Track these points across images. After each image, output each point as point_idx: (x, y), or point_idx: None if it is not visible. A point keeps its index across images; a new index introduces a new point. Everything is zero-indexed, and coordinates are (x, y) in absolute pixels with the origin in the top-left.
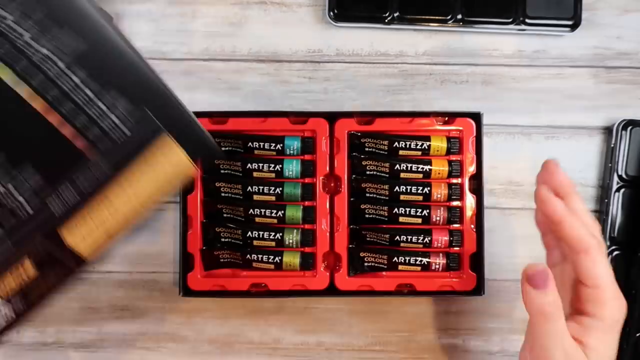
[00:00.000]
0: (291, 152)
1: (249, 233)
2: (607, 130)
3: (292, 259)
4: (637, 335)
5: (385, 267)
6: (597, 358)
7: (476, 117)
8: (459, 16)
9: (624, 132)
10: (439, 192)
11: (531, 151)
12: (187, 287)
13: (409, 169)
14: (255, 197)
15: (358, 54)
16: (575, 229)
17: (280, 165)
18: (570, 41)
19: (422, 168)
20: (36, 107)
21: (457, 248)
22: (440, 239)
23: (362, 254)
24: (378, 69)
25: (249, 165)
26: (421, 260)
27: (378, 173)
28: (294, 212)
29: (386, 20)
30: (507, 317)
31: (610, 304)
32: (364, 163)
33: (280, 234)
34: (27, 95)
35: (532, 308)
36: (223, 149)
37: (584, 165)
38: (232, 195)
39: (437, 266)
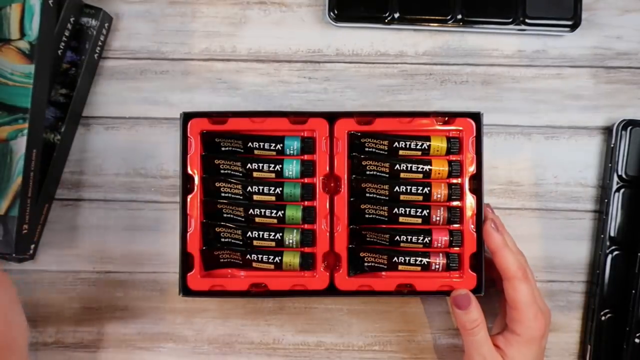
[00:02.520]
0: (291, 152)
1: (249, 233)
2: (607, 130)
3: (292, 259)
4: (637, 335)
5: (385, 267)
6: None
7: (476, 117)
8: (459, 16)
9: (623, 132)
10: (439, 192)
11: (531, 151)
12: (187, 287)
13: (409, 169)
14: (255, 197)
15: (358, 54)
16: (505, 259)
17: (280, 166)
18: (570, 41)
19: (422, 168)
20: None
21: (457, 248)
22: (440, 239)
23: (362, 254)
24: (378, 69)
25: (249, 165)
26: (421, 260)
27: (378, 173)
28: (294, 212)
29: (386, 20)
30: None
31: (527, 324)
32: (364, 163)
33: (280, 234)
34: None
35: (458, 324)
36: (223, 149)
37: (584, 165)
38: (232, 196)
39: (437, 266)
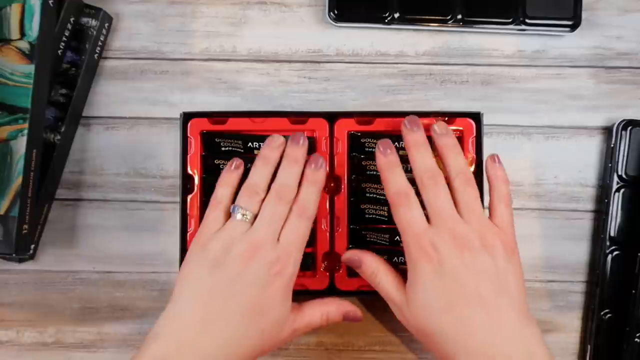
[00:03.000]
0: None
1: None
2: (607, 130)
3: None
4: (638, 335)
5: None
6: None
7: (476, 117)
8: (459, 16)
9: (623, 132)
10: None
11: (531, 151)
12: None
13: (409, 169)
14: None
15: (358, 54)
16: (384, 182)
17: None
18: (570, 41)
19: None
20: None
21: None
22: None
23: None
24: (378, 69)
25: (249, 165)
26: None
27: (378, 173)
28: None
29: (386, 20)
30: None
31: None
32: (364, 163)
33: None
34: None
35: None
36: (223, 149)
37: (584, 165)
38: None
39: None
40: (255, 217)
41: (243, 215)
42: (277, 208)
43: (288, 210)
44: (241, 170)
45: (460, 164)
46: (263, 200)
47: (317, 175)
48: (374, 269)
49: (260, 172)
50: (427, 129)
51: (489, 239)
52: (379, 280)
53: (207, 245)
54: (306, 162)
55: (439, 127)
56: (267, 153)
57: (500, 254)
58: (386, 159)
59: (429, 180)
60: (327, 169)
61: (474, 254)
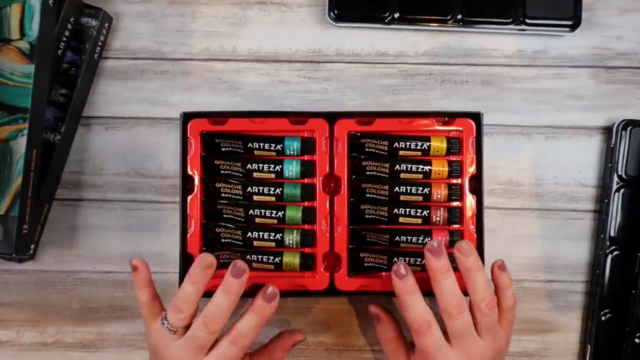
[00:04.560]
0: (291, 152)
1: (249, 234)
2: (607, 130)
3: (292, 259)
4: (638, 335)
5: (385, 267)
6: None
7: (476, 117)
8: (459, 16)
9: (623, 132)
10: (439, 192)
11: (531, 151)
12: None
13: (409, 169)
14: (255, 197)
15: (358, 54)
16: (404, 309)
17: (280, 166)
18: (570, 41)
19: (422, 168)
20: None
21: None
22: (440, 239)
23: (362, 255)
24: (378, 69)
25: (249, 165)
26: (421, 261)
27: (378, 173)
28: (294, 213)
29: (386, 20)
30: None
31: None
32: (364, 163)
33: (280, 235)
34: None
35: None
36: (223, 149)
37: (584, 165)
38: (232, 196)
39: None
40: (187, 327)
41: (168, 328)
42: (199, 335)
43: (213, 339)
44: (212, 270)
45: (485, 287)
46: (194, 312)
47: (266, 309)
48: (388, 335)
49: (186, 289)
50: (428, 127)
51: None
52: (389, 348)
53: (149, 334)
54: (261, 289)
55: (465, 246)
56: (192, 272)
57: None
58: (404, 285)
59: (455, 309)
60: (328, 169)
61: None
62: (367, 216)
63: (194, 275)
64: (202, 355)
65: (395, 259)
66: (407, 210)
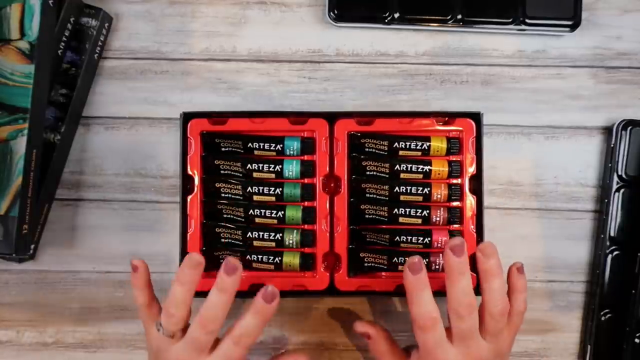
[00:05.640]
0: (291, 152)
1: (249, 234)
2: (607, 130)
3: (292, 259)
4: (638, 335)
5: (385, 267)
6: None
7: (476, 117)
8: (459, 16)
9: (623, 132)
10: (439, 192)
11: (531, 151)
12: None
13: (409, 169)
14: (255, 197)
15: (358, 54)
16: (411, 306)
17: (280, 166)
18: (570, 41)
19: (422, 168)
20: None
21: None
22: (440, 239)
23: (362, 255)
24: (378, 69)
25: (249, 165)
26: None
27: (378, 173)
28: (294, 213)
29: (386, 20)
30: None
31: None
32: (364, 163)
33: (280, 235)
34: None
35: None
36: (223, 149)
37: (584, 165)
38: (232, 196)
39: (437, 266)
40: (184, 329)
41: (164, 334)
42: (197, 336)
43: (212, 339)
44: (200, 269)
45: (502, 293)
46: (187, 314)
47: (266, 309)
48: (381, 349)
49: (175, 291)
50: (428, 127)
51: None
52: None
53: (149, 337)
54: (260, 289)
55: (489, 248)
56: (181, 273)
57: None
58: (417, 280)
59: (465, 311)
60: (328, 169)
61: None
62: (367, 216)
63: (182, 276)
64: (203, 355)
65: (395, 259)
66: (407, 210)
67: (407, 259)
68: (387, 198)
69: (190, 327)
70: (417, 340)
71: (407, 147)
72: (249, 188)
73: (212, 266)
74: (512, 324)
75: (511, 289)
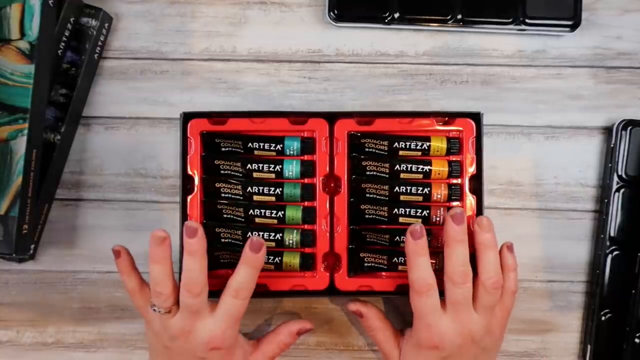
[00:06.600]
0: (291, 152)
1: (249, 234)
2: (607, 130)
3: (292, 259)
4: (638, 335)
5: (385, 267)
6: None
7: (476, 117)
8: (459, 16)
9: (623, 132)
10: (439, 192)
11: (531, 151)
12: None
13: (409, 169)
14: (255, 197)
15: (358, 54)
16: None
17: (280, 166)
18: (570, 41)
19: (422, 168)
20: None
21: None
22: (440, 239)
23: (362, 255)
24: (378, 69)
25: (249, 165)
26: None
27: (378, 173)
28: (294, 213)
29: (386, 20)
30: None
31: (416, 329)
32: (364, 163)
33: (280, 235)
34: None
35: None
36: (223, 149)
37: (584, 165)
38: (232, 196)
39: (437, 266)
40: (177, 302)
41: (160, 312)
42: (188, 302)
43: (204, 301)
44: (167, 242)
45: (496, 266)
46: (173, 288)
47: (255, 259)
48: (374, 325)
49: (152, 272)
50: (428, 127)
51: (488, 343)
52: (378, 337)
53: (149, 320)
54: (247, 242)
55: (485, 222)
56: (152, 253)
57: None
58: (416, 245)
59: (460, 279)
60: (328, 169)
61: (470, 347)
62: (367, 216)
63: (154, 255)
64: (204, 317)
65: (395, 259)
66: (407, 210)
67: (411, 227)
68: (387, 198)
69: (179, 297)
70: (412, 305)
71: (407, 147)
72: (249, 188)
73: (212, 266)
74: (503, 303)
75: (502, 267)
